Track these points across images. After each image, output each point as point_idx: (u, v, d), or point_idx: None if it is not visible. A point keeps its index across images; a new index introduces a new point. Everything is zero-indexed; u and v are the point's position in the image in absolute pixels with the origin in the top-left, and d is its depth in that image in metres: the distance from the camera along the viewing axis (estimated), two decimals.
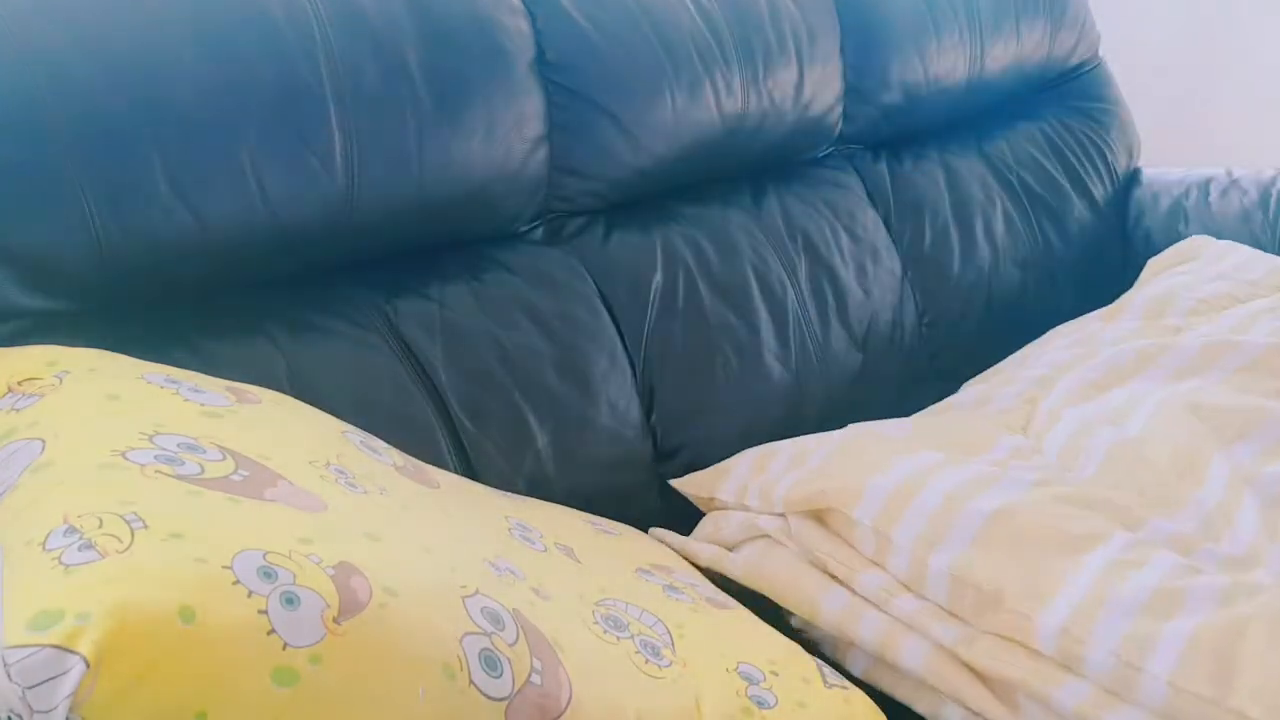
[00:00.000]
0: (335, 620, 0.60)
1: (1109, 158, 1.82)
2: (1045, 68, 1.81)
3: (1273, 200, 1.65)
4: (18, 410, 0.74)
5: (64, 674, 0.52)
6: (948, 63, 1.61)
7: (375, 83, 1.04)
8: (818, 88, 1.45)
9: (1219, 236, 1.65)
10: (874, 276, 1.48)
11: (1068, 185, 1.75)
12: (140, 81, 0.92)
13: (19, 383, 0.78)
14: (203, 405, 0.77)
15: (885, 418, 1.32)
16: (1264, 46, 2.24)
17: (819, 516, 1.02)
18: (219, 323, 1.00)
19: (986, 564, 0.92)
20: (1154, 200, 1.80)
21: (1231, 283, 1.43)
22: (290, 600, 0.59)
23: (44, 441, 0.69)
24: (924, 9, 1.58)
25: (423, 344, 1.10)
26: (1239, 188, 1.72)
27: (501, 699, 0.65)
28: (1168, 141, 2.00)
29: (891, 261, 1.51)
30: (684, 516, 1.25)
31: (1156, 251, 1.65)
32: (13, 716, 0.52)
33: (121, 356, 0.84)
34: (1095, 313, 1.48)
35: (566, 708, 0.69)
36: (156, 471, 0.66)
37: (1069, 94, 1.86)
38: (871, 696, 0.88)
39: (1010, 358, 1.41)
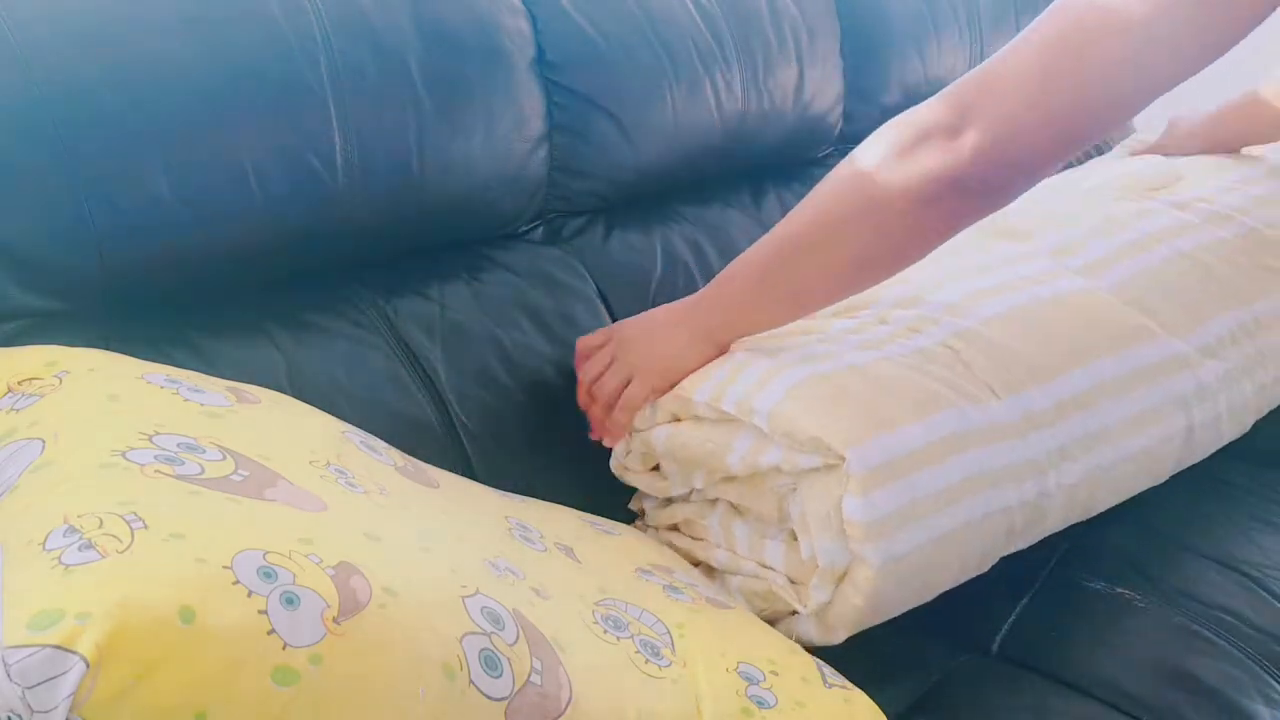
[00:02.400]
0: (335, 620, 0.60)
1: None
2: None
3: None
4: (18, 410, 0.74)
5: (64, 674, 0.52)
6: (948, 63, 1.62)
7: (375, 83, 1.04)
8: (818, 88, 1.45)
9: None
10: None
11: None
12: (140, 81, 0.92)
13: (19, 383, 0.78)
14: (203, 405, 0.77)
15: None
16: (1264, 46, 2.23)
17: None
18: (219, 323, 1.00)
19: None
20: None
21: None
22: (290, 600, 0.59)
23: (44, 441, 0.69)
24: (924, 9, 1.58)
25: (423, 344, 1.10)
26: None
27: (501, 699, 0.65)
28: None
29: None
30: None
31: None
32: (12, 716, 0.52)
33: (121, 356, 0.84)
34: None
35: (566, 708, 0.69)
36: (156, 471, 0.66)
37: None
38: None
39: None
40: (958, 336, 1.05)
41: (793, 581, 0.98)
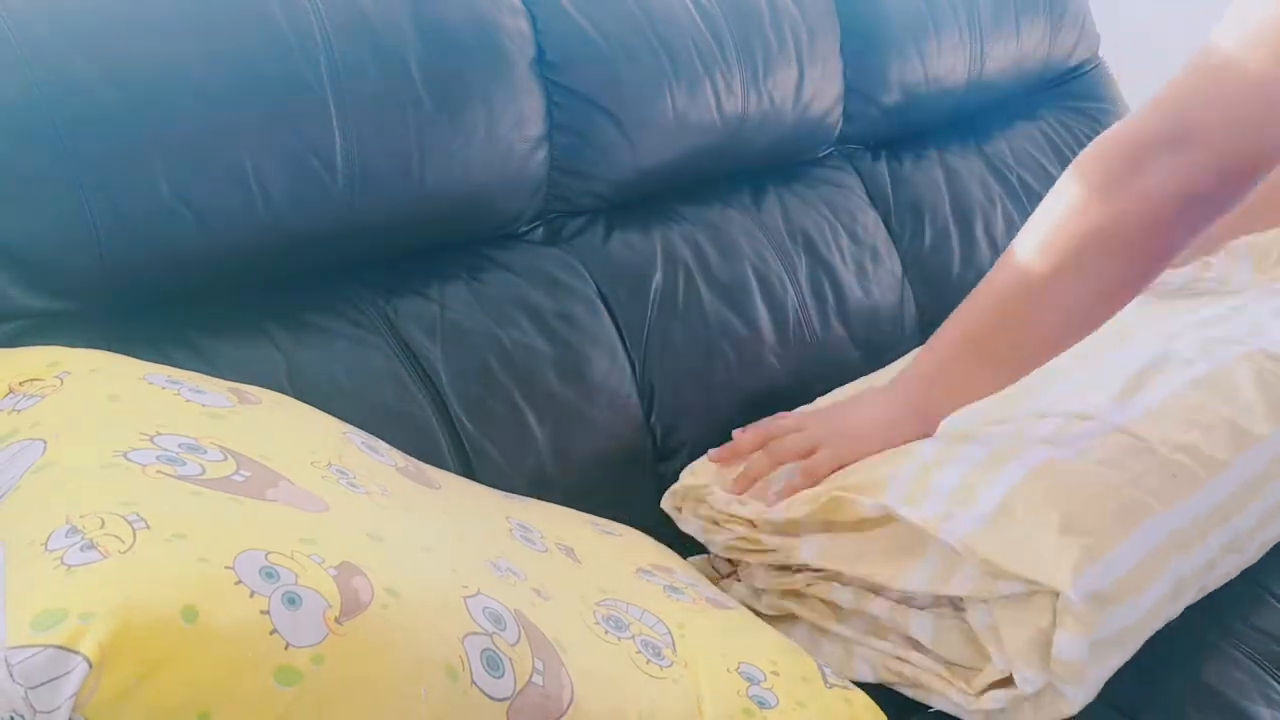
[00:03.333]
0: (337, 620, 0.60)
1: None
2: (1045, 68, 1.81)
3: None
4: (19, 411, 0.74)
5: (67, 674, 0.52)
6: (948, 63, 1.62)
7: (375, 83, 1.04)
8: (818, 88, 1.45)
9: None
10: (874, 277, 1.48)
11: None
12: (141, 81, 0.92)
13: (20, 383, 0.78)
14: (204, 406, 0.77)
15: None
16: None
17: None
18: (219, 323, 1.00)
19: None
20: None
21: None
22: (292, 600, 0.59)
23: (46, 442, 0.69)
24: (924, 9, 1.58)
25: (423, 344, 1.10)
26: None
27: (504, 699, 0.65)
28: None
29: (891, 262, 1.51)
30: None
31: None
32: (15, 717, 0.52)
33: (123, 357, 0.84)
34: None
35: (568, 708, 0.69)
36: (158, 472, 0.66)
37: (1069, 94, 1.86)
38: None
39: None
40: (1134, 423, 1.00)
41: (946, 662, 0.90)
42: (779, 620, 1.00)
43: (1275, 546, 1.13)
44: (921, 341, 1.49)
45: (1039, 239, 0.91)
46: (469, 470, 1.08)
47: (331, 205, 1.03)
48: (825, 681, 0.86)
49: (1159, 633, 1.02)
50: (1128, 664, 0.98)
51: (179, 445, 0.70)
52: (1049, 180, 1.73)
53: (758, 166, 1.45)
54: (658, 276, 1.28)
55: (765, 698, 0.81)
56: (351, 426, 0.89)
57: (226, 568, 0.59)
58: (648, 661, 0.79)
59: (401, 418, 1.05)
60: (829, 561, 0.95)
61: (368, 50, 1.04)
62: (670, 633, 0.84)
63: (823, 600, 0.98)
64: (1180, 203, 0.85)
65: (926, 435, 1.00)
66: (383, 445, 0.89)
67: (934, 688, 0.90)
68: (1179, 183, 0.84)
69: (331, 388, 1.02)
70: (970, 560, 0.86)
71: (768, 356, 1.33)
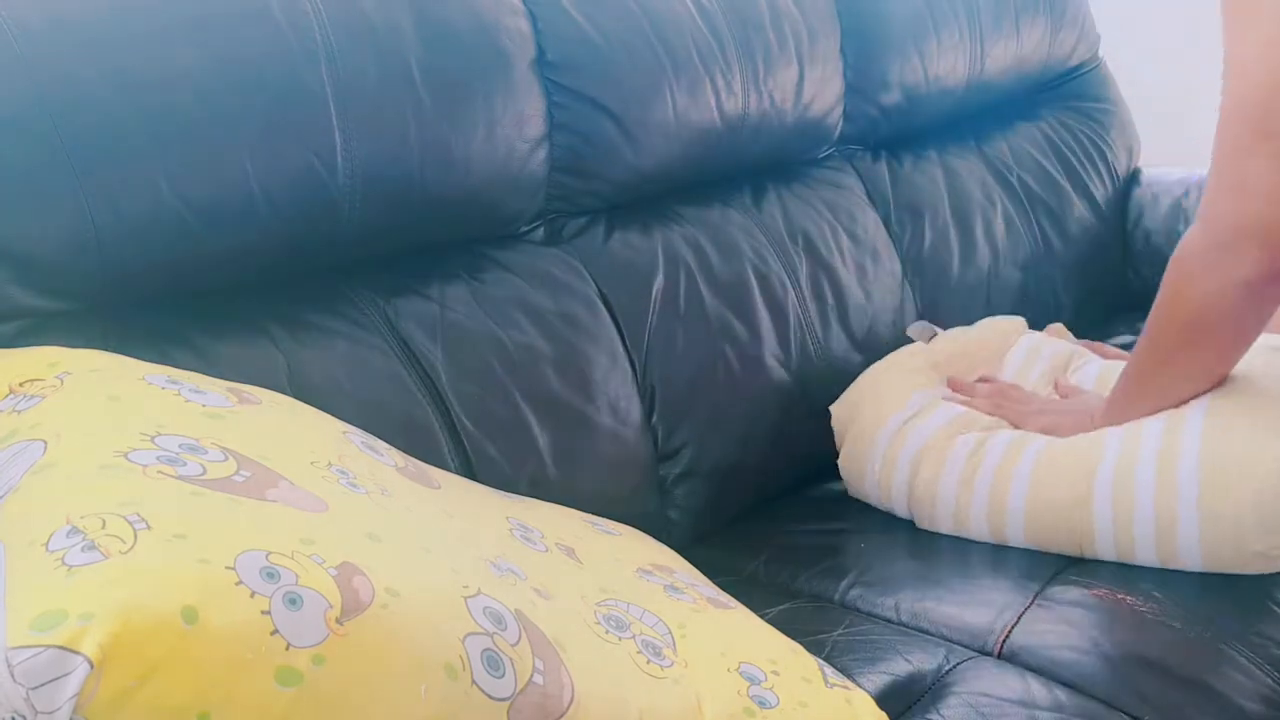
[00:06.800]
0: (338, 620, 0.60)
1: (1109, 158, 1.82)
2: (1045, 68, 1.81)
3: None
4: (19, 412, 0.74)
5: (68, 675, 0.52)
6: (948, 63, 1.62)
7: (375, 84, 1.04)
8: (818, 88, 1.45)
9: None
10: (874, 277, 1.48)
11: (1067, 185, 1.76)
12: (141, 82, 0.92)
13: (20, 384, 0.78)
14: (204, 406, 0.77)
15: None
16: None
17: None
18: (219, 323, 1.00)
19: None
20: (1154, 200, 1.81)
21: None
22: (293, 601, 0.59)
23: (46, 443, 0.69)
24: (924, 9, 1.58)
25: (423, 344, 1.10)
26: None
27: (504, 699, 0.65)
28: (1168, 141, 2.01)
29: (892, 262, 1.51)
30: (684, 516, 1.25)
31: (1156, 251, 1.65)
32: (16, 717, 0.52)
33: (123, 357, 0.84)
34: None
35: (569, 708, 0.69)
36: (159, 472, 0.66)
37: (1069, 94, 1.86)
38: None
39: None
40: None
41: None
42: None
43: None
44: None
45: (1146, 330, 1.11)
46: (469, 470, 1.08)
47: (331, 205, 1.03)
48: (826, 681, 0.86)
49: (1160, 634, 1.02)
50: (1129, 664, 0.99)
51: (179, 445, 0.70)
52: (1048, 180, 1.73)
53: (758, 166, 1.45)
54: (658, 277, 1.28)
55: (766, 697, 0.81)
56: (351, 426, 0.89)
57: (227, 568, 0.59)
58: (648, 661, 0.79)
59: (401, 418, 1.05)
60: None
61: (368, 51, 1.04)
62: (671, 632, 0.84)
63: None
64: (1245, 292, 0.99)
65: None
66: (382, 445, 0.89)
67: None
68: (1244, 276, 0.98)
69: (331, 388, 1.02)
70: None
71: (768, 357, 1.33)
